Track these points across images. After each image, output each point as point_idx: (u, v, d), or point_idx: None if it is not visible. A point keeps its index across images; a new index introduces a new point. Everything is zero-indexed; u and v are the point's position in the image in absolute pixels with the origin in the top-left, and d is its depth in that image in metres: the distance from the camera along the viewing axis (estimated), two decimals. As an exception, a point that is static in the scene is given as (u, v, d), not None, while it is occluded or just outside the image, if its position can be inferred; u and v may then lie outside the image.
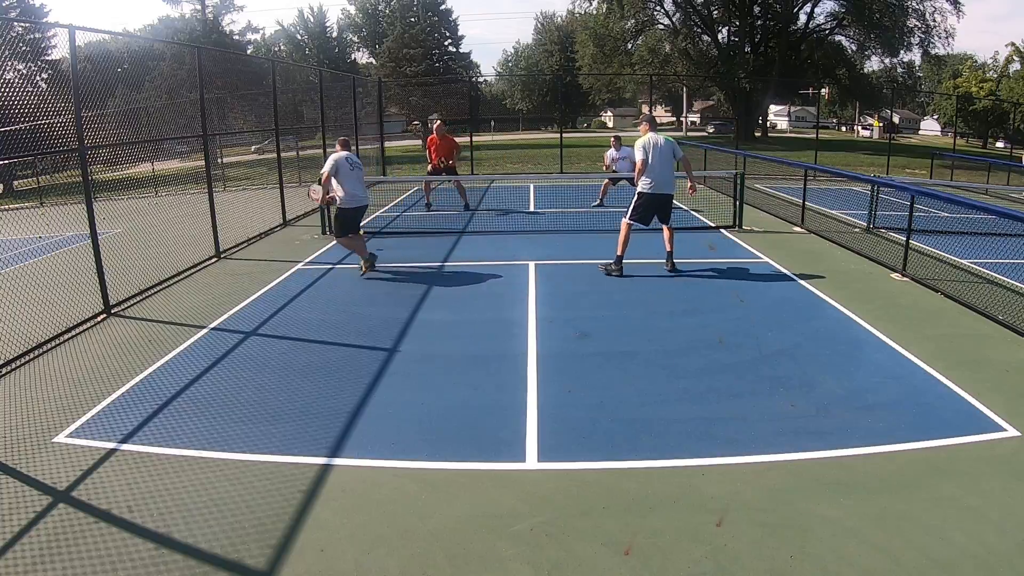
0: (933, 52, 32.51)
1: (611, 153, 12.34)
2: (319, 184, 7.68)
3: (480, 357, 5.01)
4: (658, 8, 34.97)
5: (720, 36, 35.43)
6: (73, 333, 5.78)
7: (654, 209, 7.47)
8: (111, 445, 3.76)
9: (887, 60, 34.41)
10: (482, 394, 4.37)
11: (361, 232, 8.12)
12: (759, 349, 5.11)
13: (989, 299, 6.22)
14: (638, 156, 7.23)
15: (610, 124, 65.54)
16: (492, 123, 46.47)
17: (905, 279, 7.12)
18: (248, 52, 35.91)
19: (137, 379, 4.71)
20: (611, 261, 7.44)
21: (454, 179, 12.28)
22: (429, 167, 12.14)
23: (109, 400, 4.37)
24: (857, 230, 9.94)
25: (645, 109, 50.10)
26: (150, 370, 4.88)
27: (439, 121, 12.58)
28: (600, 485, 3.30)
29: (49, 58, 17.97)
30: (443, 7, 40.03)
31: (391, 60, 37.28)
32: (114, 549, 2.84)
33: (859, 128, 54.19)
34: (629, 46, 36.38)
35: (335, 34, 49.76)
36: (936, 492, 3.20)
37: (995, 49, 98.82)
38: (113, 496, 3.25)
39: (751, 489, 3.24)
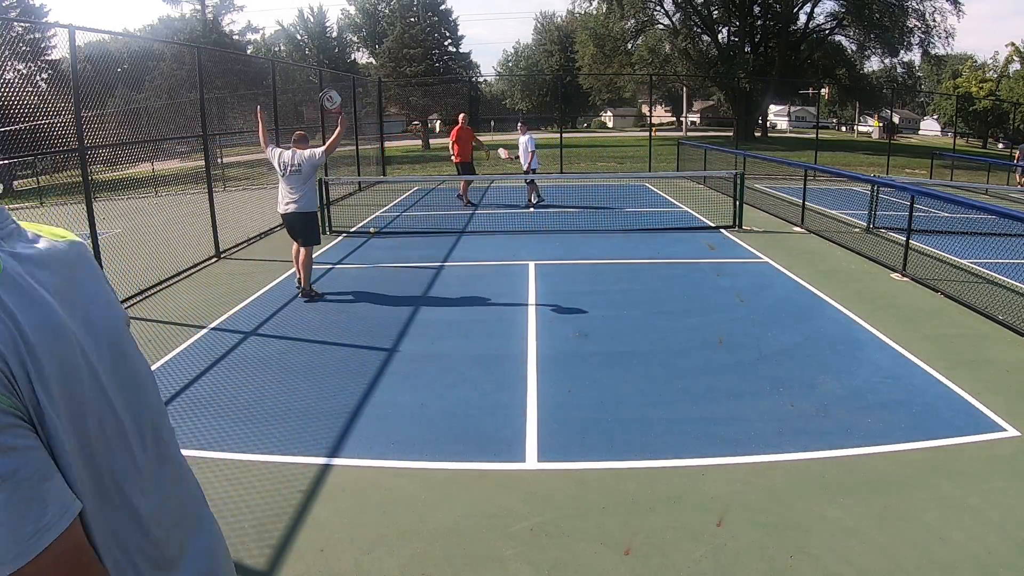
0: (933, 52, 32.51)
1: (523, 140, 12.51)
2: None
3: (480, 357, 5.01)
4: (658, 8, 34.97)
5: (720, 36, 35.43)
6: (73, 333, 5.78)
7: None
8: (111, 445, 3.76)
9: (887, 60, 34.43)
10: (482, 394, 4.37)
11: None
12: (759, 349, 5.11)
13: (989, 299, 6.22)
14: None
15: (610, 124, 65.57)
16: (492, 123, 46.49)
17: (905, 279, 7.12)
18: (248, 52, 35.91)
19: (137, 379, 4.71)
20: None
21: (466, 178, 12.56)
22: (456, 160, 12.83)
23: (109, 400, 4.37)
24: (857, 230, 9.94)
25: (645, 109, 50.12)
26: (150, 370, 4.87)
27: (463, 115, 12.98)
28: (600, 485, 3.30)
29: (49, 58, 17.96)
30: (443, 7, 39.97)
31: (391, 60, 37.26)
32: (114, 549, 2.84)
33: (858, 128, 54.21)
34: (629, 46, 36.35)
35: (335, 34, 49.72)
36: (936, 492, 3.20)
37: (995, 49, 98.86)
38: (113, 496, 3.24)
39: (751, 489, 3.24)
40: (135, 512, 0.91)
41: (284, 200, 6.48)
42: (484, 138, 14.94)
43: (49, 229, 0.95)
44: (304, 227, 6.48)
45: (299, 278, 6.61)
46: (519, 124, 13.16)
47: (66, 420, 0.79)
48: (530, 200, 12.74)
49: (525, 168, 12.60)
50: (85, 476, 0.82)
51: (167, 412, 1.08)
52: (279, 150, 6.56)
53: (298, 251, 6.52)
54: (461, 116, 12.83)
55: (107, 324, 0.92)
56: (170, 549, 0.99)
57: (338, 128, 6.64)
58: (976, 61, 58.07)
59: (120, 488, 0.89)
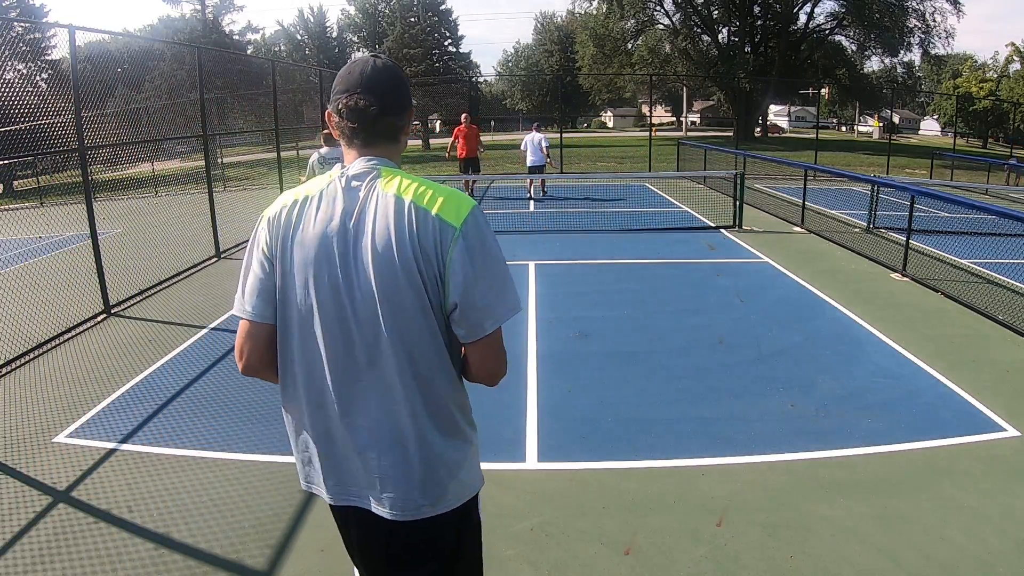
0: (933, 52, 32.54)
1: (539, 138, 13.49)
2: None
3: (480, 357, 5.00)
4: (658, 8, 34.97)
5: (720, 36, 35.43)
6: (73, 333, 5.78)
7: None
8: (111, 445, 3.76)
9: (887, 60, 34.46)
10: (482, 394, 4.35)
11: None
12: (759, 349, 5.11)
13: (989, 299, 6.22)
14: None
15: (610, 124, 65.56)
16: (492, 123, 46.50)
17: (905, 279, 7.12)
18: (248, 52, 35.91)
19: (137, 379, 4.71)
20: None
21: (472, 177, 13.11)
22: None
23: (109, 400, 4.37)
24: (857, 230, 9.94)
25: (645, 109, 50.19)
26: (150, 370, 4.88)
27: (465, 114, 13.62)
28: (600, 485, 3.30)
29: (49, 58, 17.97)
30: (443, 7, 40.02)
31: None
32: (114, 549, 2.84)
33: (858, 128, 54.24)
34: (629, 46, 36.37)
35: (335, 34, 49.74)
36: (936, 492, 3.20)
37: (995, 49, 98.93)
38: (113, 496, 3.25)
39: (751, 489, 3.24)
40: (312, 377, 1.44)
41: None
42: (484, 138, 15.07)
43: (422, 192, 1.38)
44: None
45: None
46: (534, 125, 14.21)
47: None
48: (538, 189, 13.78)
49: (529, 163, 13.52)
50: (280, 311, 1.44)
51: (408, 339, 1.38)
52: (315, 153, 7.98)
53: None
54: (463, 116, 13.38)
55: (374, 264, 1.35)
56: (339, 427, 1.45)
57: None
58: (976, 61, 58.13)
59: (302, 339, 1.43)
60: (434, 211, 1.36)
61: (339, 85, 1.47)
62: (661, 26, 35.19)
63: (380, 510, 1.47)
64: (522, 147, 13.61)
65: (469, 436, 1.60)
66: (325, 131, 8.29)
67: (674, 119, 59.13)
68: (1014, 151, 25.90)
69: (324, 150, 8.05)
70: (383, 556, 1.56)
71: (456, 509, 1.56)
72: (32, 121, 8.21)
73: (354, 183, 1.41)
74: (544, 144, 13.46)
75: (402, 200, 1.36)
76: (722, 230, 9.84)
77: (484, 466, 3.70)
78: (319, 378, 1.43)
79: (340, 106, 1.44)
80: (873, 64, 36.34)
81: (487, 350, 1.44)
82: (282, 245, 1.41)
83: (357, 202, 1.38)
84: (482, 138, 13.80)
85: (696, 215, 11.30)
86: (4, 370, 4.94)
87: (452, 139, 13.51)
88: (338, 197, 1.40)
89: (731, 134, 33.56)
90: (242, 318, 1.47)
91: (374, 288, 1.35)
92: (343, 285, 1.37)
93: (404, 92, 1.49)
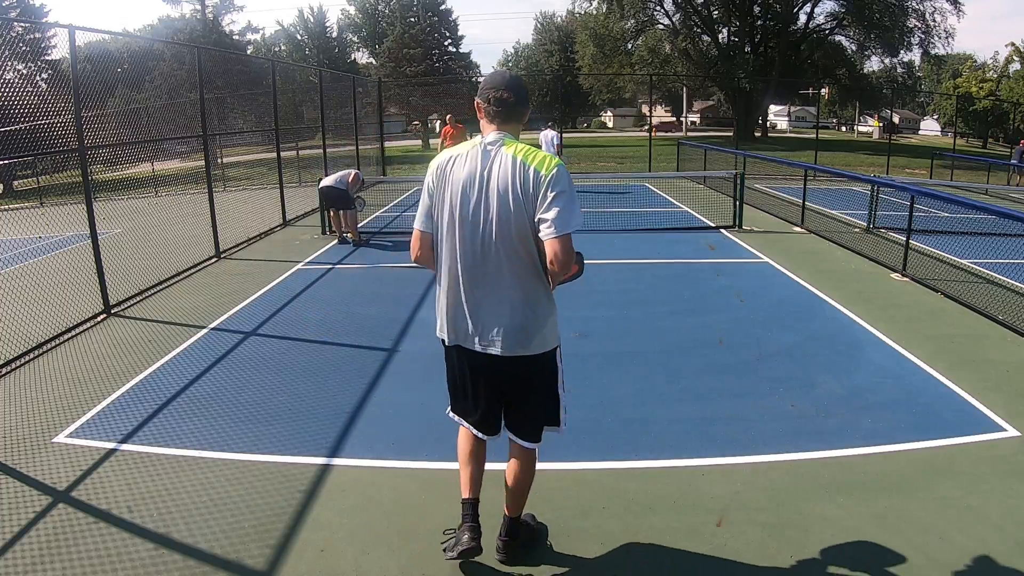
0: (933, 52, 32.58)
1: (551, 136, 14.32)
2: None
3: (480, 357, 5.00)
4: (658, 8, 34.98)
5: (720, 36, 35.43)
6: (73, 333, 5.78)
7: None
8: (111, 445, 3.76)
9: (887, 60, 34.47)
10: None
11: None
12: (759, 349, 5.11)
13: (989, 299, 6.22)
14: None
15: (610, 124, 65.56)
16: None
17: (905, 279, 7.12)
18: (248, 52, 35.89)
19: (137, 379, 4.71)
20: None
21: None
22: None
23: (109, 400, 4.37)
24: (857, 230, 9.94)
25: (645, 109, 50.24)
26: (150, 370, 4.88)
27: (449, 115, 14.31)
28: (600, 485, 3.30)
29: (49, 58, 17.95)
30: (443, 7, 40.07)
31: (391, 60, 37.33)
32: (114, 549, 2.84)
33: (858, 128, 54.23)
34: (629, 46, 36.40)
35: (335, 34, 49.75)
36: (936, 492, 3.19)
37: (995, 49, 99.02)
38: (113, 496, 3.25)
39: (751, 489, 3.24)
40: (456, 272, 2.39)
41: (328, 182, 9.38)
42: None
43: (528, 154, 2.27)
44: (338, 199, 9.29)
45: (349, 236, 9.35)
46: (548, 124, 15.30)
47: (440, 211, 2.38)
48: None
49: None
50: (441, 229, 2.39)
51: (516, 247, 2.30)
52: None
53: (337, 216, 9.44)
54: (448, 116, 14.00)
55: (497, 197, 2.26)
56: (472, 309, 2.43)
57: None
58: (976, 61, 58.16)
59: (453, 253, 2.37)
60: (533, 165, 2.24)
61: (488, 84, 2.34)
62: (661, 26, 35.22)
63: (490, 350, 2.41)
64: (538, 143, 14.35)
65: (549, 309, 2.44)
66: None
67: (674, 119, 59.11)
68: (1014, 151, 25.87)
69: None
70: (488, 382, 2.54)
71: (540, 355, 2.43)
72: (32, 121, 8.20)
73: (488, 147, 2.30)
74: (556, 142, 14.13)
75: (515, 159, 2.25)
76: (722, 230, 9.84)
77: (486, 466, 3.70)
78: (456, 267, 2.36)
79: (489, 96, 2.32)
80: (873, 64, 36.41)
81: (557, 246, 2.19)
82: (441, 184, 2.34)
83: (489, 159, 2.27)
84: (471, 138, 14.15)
85: (696, 215, 11.30)
86: (4, 370, 4.94)
87: (440, 139, 13.83)
88: (478, 156, 2.29)
89: (731, 134, 33.54)
90: (415, 228, 2.44)
91: (495, 213, 2.25)
92: (475, 211, 2.28)
93: (527, 93, 2.39)
